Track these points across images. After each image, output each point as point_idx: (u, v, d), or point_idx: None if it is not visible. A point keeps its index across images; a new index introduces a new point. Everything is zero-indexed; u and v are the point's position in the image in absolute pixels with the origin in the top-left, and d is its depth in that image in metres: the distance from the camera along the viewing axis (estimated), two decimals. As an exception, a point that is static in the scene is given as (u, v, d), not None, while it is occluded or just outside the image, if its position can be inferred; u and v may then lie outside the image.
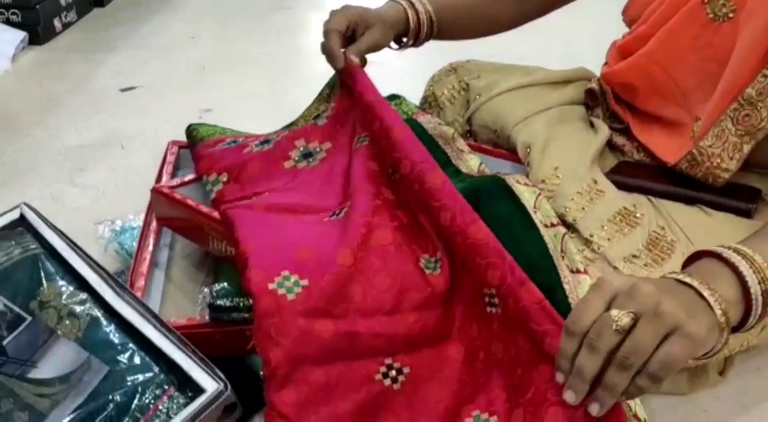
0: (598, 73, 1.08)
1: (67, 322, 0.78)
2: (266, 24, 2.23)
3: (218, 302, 0.84)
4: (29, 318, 0.79)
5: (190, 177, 1.00)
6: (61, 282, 0.83)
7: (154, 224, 1.03)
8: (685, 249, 0.80)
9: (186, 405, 0.71)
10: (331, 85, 1.07)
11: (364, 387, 0.70)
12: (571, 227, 0.87)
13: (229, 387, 0.71)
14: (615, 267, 0.80)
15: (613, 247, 0.81)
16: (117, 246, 1.08)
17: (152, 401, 0.71)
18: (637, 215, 0.84)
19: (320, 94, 1.08)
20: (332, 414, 0.68)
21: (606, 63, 1.05)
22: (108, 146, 1.50)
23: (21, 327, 0.78)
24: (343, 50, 0.98)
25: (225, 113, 1.61)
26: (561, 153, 0.95)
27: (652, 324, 0.54)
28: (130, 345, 0.75)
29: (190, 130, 1.06)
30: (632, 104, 0.98)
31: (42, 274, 0.84)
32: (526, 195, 0.89)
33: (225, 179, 0.91)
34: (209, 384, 0.71)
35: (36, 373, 0.75)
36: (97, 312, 0.79)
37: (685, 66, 0.87)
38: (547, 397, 0.65)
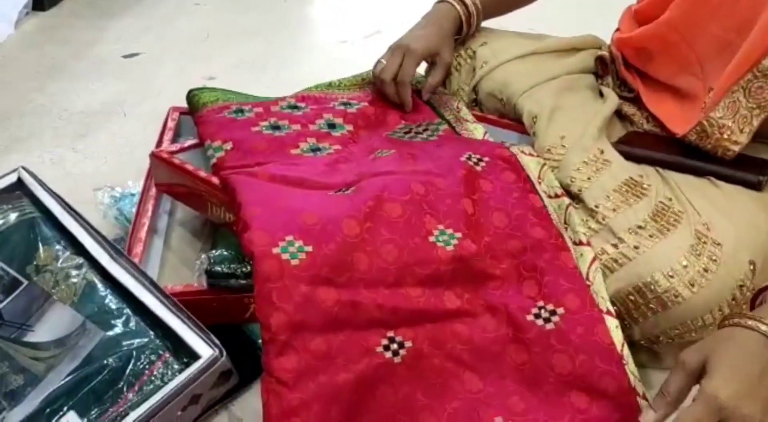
0: (608, 41, 1.06)
1: (63, 287, 0.78)
2: (272, -8, 2.19)
3: (216, 268, 0.83)
4: (25, 282, 0.79)
5: (190, 142, 0.98)
6: (58, 247, 0.82)
7: (153, 191, 1.02)
8: (692, 220, 0.78)
9: (181, 371, 0.70)
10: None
11: (365, 358, 0.70)
12: (576, 197, 0.85)
13: (224, 353, 0.71)
14: (620, 238, 0.78)
15: (618, 218, 0.80)
16: (116, 212, 1.07)
17: (147, 366, 0.70)
18: (644, 186, 0.83)
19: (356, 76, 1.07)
20: (331, 383, 0.67)
21: (618, 29, 1.02)
22: (110, 113, 1.49)
23: (17, 291, 0.78)
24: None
25: (228, 81, 1.58)
26: (568, 122, 0.93)
27: None
28: (126, 310, 0.75)
29: (192, 95, 1.04)
30: (644, 72, 0.96)
31: (39, 238, 0.83)
32: (531, 165, 0.88)
33: (229, 148, 0.90)
34: (204, 350, 0.71)
35: (31, 337, 0.74)
36: (94, 277, 0.78)
37: (705, 35, 0.85)
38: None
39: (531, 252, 0.79)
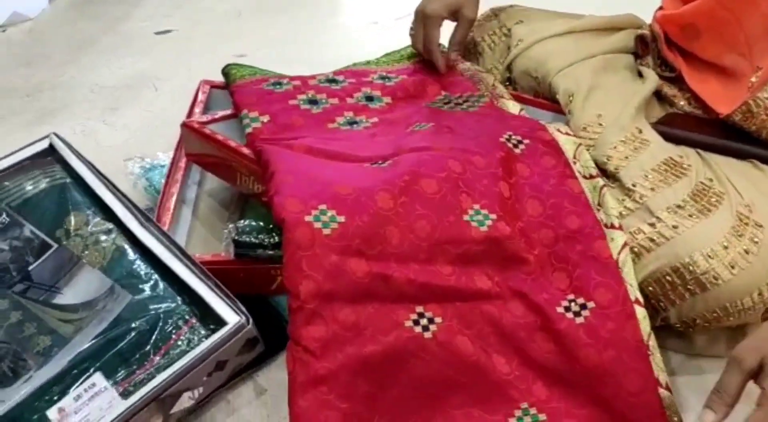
0: (648, 21, 1.03)
1: (93, 251, 0.78)
2: (305, -28, 2.18)
3: (243, 238, 0.82)
4: (55, 246, 0.79)
5: (221, 114, 0.98)
6: (88, 212, 0.82)
7: (182, 162, 1.02)
8: (734, 202, 0.76)
9: (207, 336, 0.70)
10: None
11: (393, 331, 0.69)
12: (612, 176, 0.83)
13: (251, 321, 0.70)
14: (657, 217, 0.76)
15: (657, 197, 0.77)
16: (146, 182, 1.07)
17: (174, 331, 0.70)
18: (684, 165, 0.80)
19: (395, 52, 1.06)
20: (359, 354, 0.66)
21: (660, 8, 0.99)
22: (141, 87, 1.49)
23: (46, 254, 0.78)
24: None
25: (259, 59, 1.57)
26: (605, 101, 0.91)
27: None
28: (154, 275, 0.75)
29: (228, 69, 1.04)
30: (688, 50, 0.93)
31: (69, 203, 0.83)
32: (567, 145, 0.86)
33: (266, 120, 0.89)
34: (231, 317, 0.70)
35: (60, 299, 0.74)
36: (123, 243, 0.78)
37: (756, 12, 0.82)
38: None
39: (563, 243, 0.77)
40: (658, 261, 0.74)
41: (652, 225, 0.76)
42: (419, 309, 0.71)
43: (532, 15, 1.09)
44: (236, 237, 0.82)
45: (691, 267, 0.73)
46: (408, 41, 1.09)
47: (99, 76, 1.53)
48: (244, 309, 0.71)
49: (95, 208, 0.82)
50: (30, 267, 0.77)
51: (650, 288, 0.75)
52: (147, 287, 0.73)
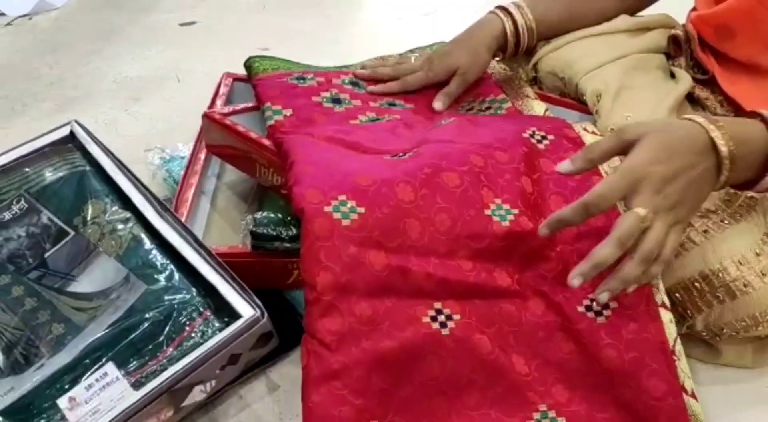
0: (681, 21, 1.00)
1: (109, 239, 0.77)
2: (331, -34, 2.17)
3: (261, 230, 0.81)
4: (72, 233, 0.79)
5: (242, 106, 0.97)
6: (106, 200, 0.82)
7: (203, 153, 1.01)
8: (766, 206, 0.73)
9: (221, 329, 0.69)
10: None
11: (411, 326, 0.67)
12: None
13: (265, 315, 0.69)
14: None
15: (687, 201, 0.75)
16: (165, 173, 1.06)
17: (187, 322, 0.69)
18: (716, 170, 0.78)
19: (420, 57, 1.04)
20: (375, 349, 0.65)
21: (694, 8, 0.96)
22: (164, 78, 1.49)
23: (63, 242, 0.78)
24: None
25: (283, 53, 1.56)
26: (634, 101, 0.89)
27: (667, 219, 0.64)
28: (170, 266, 0.74)
29: (251, 62, 1.03)
30: (723, 51, 0.90)
31: (88, 191, 0.83)
32: (593, 145, 0.84)
33: (289, 114, 0.88)
34: (246, 310, 0.69)
35: (75, 287, 0.74)
36: (140, 232, 0.78)
37: None
38: None
39: (586, 240, 0.75)
40: (687, 267, 0.72)
41: (681, 230, 0.73)
42: (437, 305, 0.69)
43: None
44: (254, 229, 0.81)
45: (720, 274, 0.70)
46: (431, 39, 1.07)
47: (123, 65, 1.53)
48: (259, 302, 0.70)
49: (113, 197, 0.82)
50: (46, 254, 0.77)
51: (677, 295, 0.73)
52: (162, 278, 0.72)
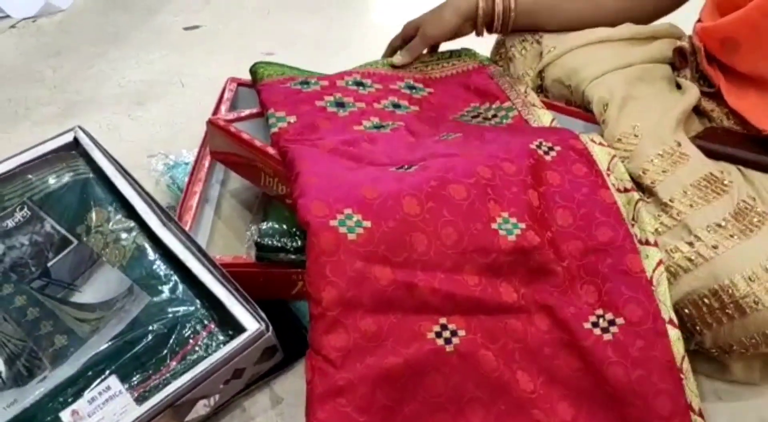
0: (687, 31, 0.99)
1: (113, 249, 0.76)
2: (336, -30, 2.17)
3: (265, 241, 0.81)
4: (75, 242, 0.78)
5: (247, 112, 0.96)
6: (110, 208, 0.81)
7: (207, 160, 1.00)
8: (778, 223, 0.72)
9: (225, 343, 0.68)
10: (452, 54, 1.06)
11: (415, 343, 0.66)
12: (647, 190, 0.80)
13: (270, 328, 0.69)
14: (696, 236, 0.73)
15: (696, 214, 0.74)
16: (169, 180, 1.06)
17: (191, 335, 0.69)
18: (725, 182, 0.77)
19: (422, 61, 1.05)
20: (379, 365, 0.64)
21: (699, 20, 0.95)
22: (168, 83, 1.48)
23: (66, 251, 0.77)
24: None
25: (287, 58, 1.55)
26: (641, 112, 0.88)
27: None
28: (174, 277, 0.73)
29: (256, 68, 1.02)
30: (729, 64, 0.89)
31: (91, 199, 0.82)
32: (600, 156, 0.84)
33: (292, 120, 0.87)
34: (251, 323, 0.68)
35: (78, 297, 0.73)
36: (143, 242, 0.77)
37: None
38: None
39: (593, 256, 0.74)
40: (696, 283, 0.71)
41: (690, 244, 0.73)
42: (443, 320, 0.69)
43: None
44: (258, 240, 0.81)
45: (730, 290, 0.70)
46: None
47: (126, 69, 1.53)
48: (264, 315, 0.69)
49: (117, 205, 0.81)
50: (49, 263, 0.76)
51: (686, 311, 0.72)
52: (166, 289, 0.72)
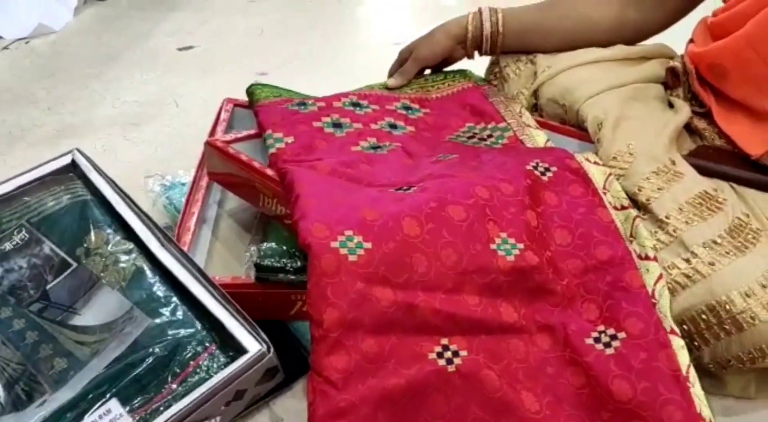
0: (679, 52, 1.01)
1: (112, 271, 0.76)
2: (328, -9, 2.19)
3: (265, 262, 0.81)
4: (75, 265, 0.78)
5: (245, 133, 0.97)
6: (109, 231, 0.81)
7: (204, 180, 1.01)
8: (773, 240, 0.74)
9: (227, 364, 0.68)
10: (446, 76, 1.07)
11: (417, 363, 0.67)
12: (643, 208, 0.81)
13: (271, 349, 0.69)
14: (692, 253, 0.74)
15: (692, 231, 0.75)
16: (166, 201, 1.06)
17: (192, 357, 0.69)
18: (720, 199, 0.78)
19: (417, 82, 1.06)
20: (381, 387, 0.64)
21: (691, 40, 0.97)
22: (162, 103, 1.49)
23: (66, 273, 0.77)
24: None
25: (281, 78, 1.57)
26: (635, 130, 0.89)
27: None
28: (174, 298, 0.73)
29: (252, 89, 1.03)
30: (718, 88, 0.91)
31: (90, 221, 0.82)
32: (596, 175, 0.85)
33: (290, 141, 0.88)
34: (252, 344, 0.68)
35: (78, 320, 0.73)
36: (143, 263, 0.77)
37: None
38: None
39: (593, 274, 0.75)
40: (693, 299, 0.72)
41: (687, 260, 0.74)
42: (444, 341, 0.69)
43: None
44: (258, 261, 0.81)
45: (727, 306, 0.70)
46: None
47: (121, 90, 1.53)
48: (265, 336, 0.70)
49: (115, 227, 0.81)
50: (48, 286, 0.76)
51: (684, 327, 0.73)
52: (166, 311, 0.72)
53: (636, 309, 0.72)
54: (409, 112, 0.99)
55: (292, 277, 0.81)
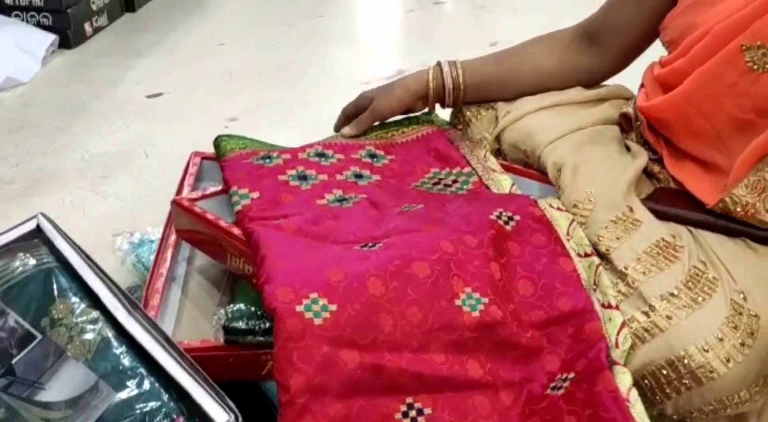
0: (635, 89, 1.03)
1: (78, 342, 0.76)
2: (296, 32, 2.22)
3: (233, 324, 0.81)
4: (40, 336, 0.77)
5: (212, 190, 0.97)
6: (74, 299, 0.80)
7: (172, 238, 1.01)
8: (728, 289, 0.75)
9: (194, 436, 0.68)
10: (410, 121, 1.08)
11: None
12: (603, 257, 0.82)
13: (239, 418, 0.68)
14: (651, 306, 0.75)
15: (650, 282, 0.77)
16: (134, 259, 1.06)
17: (160, 430, 0.68)
18: (676, 247, 0.80)
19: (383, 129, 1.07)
20: None
21: (642, 85, 0.99)
22: (131, 154, 1.49)
23: (31, 346, 0.76)
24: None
25: (251, 122, 1.59)
26: (594, 176, 0.91)
27: None
28: (140, 369, 0.73)
29: (219, 141, 1.04)
30: (668, 137, 0.92)
31: (55, 290, 0.81)
32: (560, 221, 0.86)
33: (255, 197, 0.88)
34: (219, 415, 0.68)
35: (43, 395, 0.72)
36: (108, 333, 0.76)
37: (722, 113, 0.81)
38: None
39: (556, 326, 0.76)
40: (653, 354, 0.73)
41: (646, 313, 0.75)
42: (409, 400, 0.70)
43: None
44: (226, 324, 0.81)
45: (686, 361, 0.71)
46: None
47: (90, 142, 1.54)
48: (232, 405, 0.69)
49: (81, 295, 0.81)
50: (13, 360, 0.75)
51: (646, 381, 0.74)
52: (133, 383, 0.71)
53: (594, 357, 0.73)
54: (375, 159, 1.00)
55: (261, 338, 0.81)
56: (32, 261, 0.85)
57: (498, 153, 1.07)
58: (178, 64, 1.95)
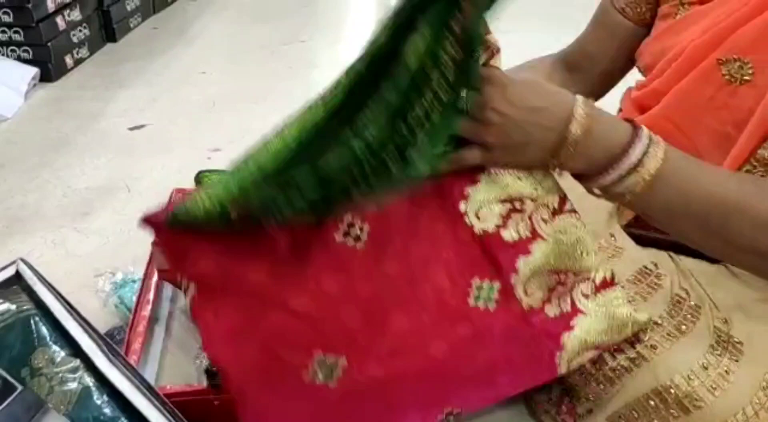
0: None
1: (58, 393, 0.75)
2: (279, 58, 2.22)
3: (215, 368, 0.80)
4: (20, 388, 0.76)
5: (191, 230, 0.96)
6: (55, 348, 0.79)
7: (155, 278, 1.00)
8: (710, 316, 0.75)
9: (177, 487, 0.67)
10: None
11: None
12: (587, 287, 0.82)
13: (223, 467, 0.67)
14: (635, 336, 0.74)
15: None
16: (117, 300, 1.05)
17: (142, 484, 0.67)
18: (658, 274, 0.79)
19: None
20: None
21: (620, 110, 1.00)
22: (114, 189, 1.48)
23: (11, 398, 0.75)
24: None
25: (235, 152, 1.58)
26: (575, 204, 0.91)
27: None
28: (122, 419, 0.72)
29: (201, 177, 1.04)
30: None
31: (35, 338, 0.80)
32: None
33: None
34: (202, 464, 0.67)
35: (23, 451, 0.71)
36: (89, 383, 0.75)
37: (701, 128, 0.82)
38: None
39: None
40: (640, 384, 0.73)
41: (631, 344, 0.74)
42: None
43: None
44: (209, 368, 0.80)
45: (672, 390, 0.71)
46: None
47: (72, 178, 1.52)
48: (215, 453, 0.68)
49: (62, 343, 0.79)
50: (-7, 414, 0.74)
51: (634, 413, 0.73)
52: (114, 435, 0.70)
53: None
54: None
55: (245, 381, 0.80)
56: (12, 308, 0.84)
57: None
58: (160, 94, 1.95)
